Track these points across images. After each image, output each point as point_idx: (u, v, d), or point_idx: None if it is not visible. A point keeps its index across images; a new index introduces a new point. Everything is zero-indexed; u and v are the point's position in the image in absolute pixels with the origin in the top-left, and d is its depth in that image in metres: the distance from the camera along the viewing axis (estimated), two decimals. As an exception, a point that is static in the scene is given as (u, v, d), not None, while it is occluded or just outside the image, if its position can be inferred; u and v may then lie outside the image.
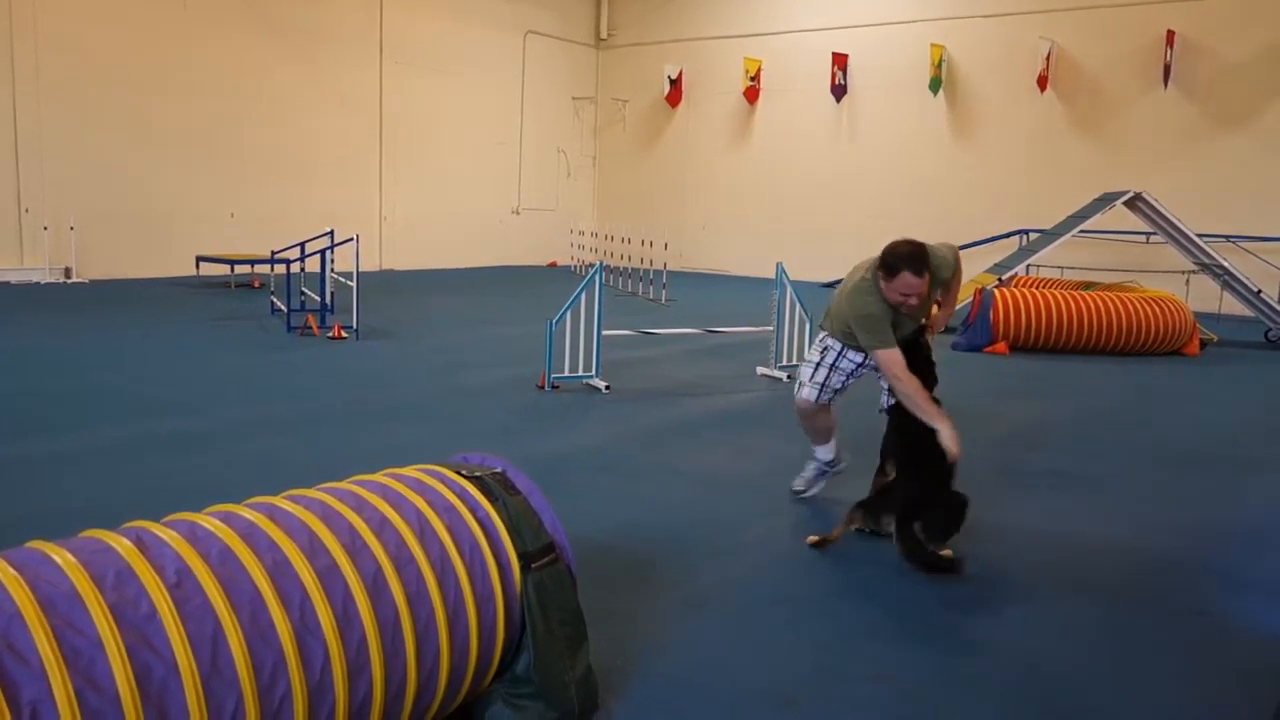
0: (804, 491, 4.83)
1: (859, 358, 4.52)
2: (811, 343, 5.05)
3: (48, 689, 1.66)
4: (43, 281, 13.36)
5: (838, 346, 4.55)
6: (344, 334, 9.46)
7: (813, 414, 4.70)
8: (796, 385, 4.76)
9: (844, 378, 4.62)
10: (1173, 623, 3.55)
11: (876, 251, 4.30)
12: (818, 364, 4.64)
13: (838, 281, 4.70)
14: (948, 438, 3.93)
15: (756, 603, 3.58)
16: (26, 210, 13.46)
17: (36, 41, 13.26)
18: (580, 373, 7.48)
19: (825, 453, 4.81)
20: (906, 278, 4.06)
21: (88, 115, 13.86)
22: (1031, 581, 3.90)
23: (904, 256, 4.09)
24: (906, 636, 3.33)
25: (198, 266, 13.82)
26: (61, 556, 1.89)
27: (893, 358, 4.13)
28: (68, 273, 13.76)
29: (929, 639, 3.32)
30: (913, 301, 4.12)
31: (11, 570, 1.82)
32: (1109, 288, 11.90)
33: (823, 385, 4.60)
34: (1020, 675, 3.08)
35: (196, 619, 1.89)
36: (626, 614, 3.39)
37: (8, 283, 13.01)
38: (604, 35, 21.88)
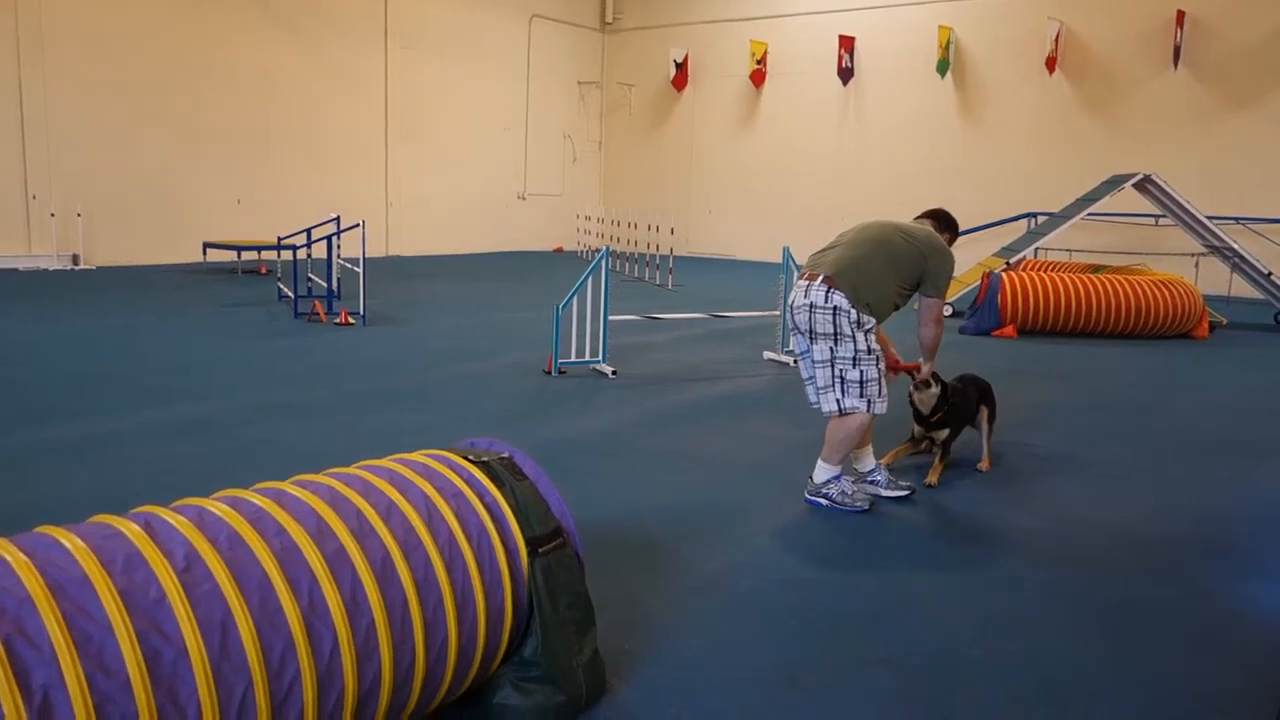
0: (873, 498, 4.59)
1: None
2: (836, 339, 4.35)
3: (59, 673, 1.67)
4: (50, 269, 13.39)
5: (869, 324, 4.36)
6: (351, 320, 9.47)
7: (865, 424, 4.47)
8: (865, 403, 4.34)
9: (883, 360, 4.52)
10: (1179, 605, 3.55)
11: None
12: (876, 376, 4.34)
13: None
14: (927, 369, 4.87)
15: (763, 586, 3.58)
16: (34, 197, 13.48)
17: (42, 28, 13.26)
18: (587, 358, 7.48)
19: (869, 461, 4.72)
20: None
21: (94, 102, 13.87)
22: (1038, 564, 3.90)
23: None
24: (913, 619, 3.33)
25: (205, 253, 13.85)
26: (71, 542, 1.90)
27: (940, 306, 4.60)
28: (75, 260, 13.79)
29: (935, 622, 3.32)
30: None
31: (22, 555, 1.83)
32: (1118, 271, 11.85)
33: (880, 394, 4.39)
34: (1025, 658, 3.09)
35: (205, 604, 1.90)
36: (633, 598, 3.40)
37: (15, 270, 13.05)
38: (609, 19, 21.79)
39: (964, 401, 5.13)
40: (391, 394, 6.61)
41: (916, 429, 5.10)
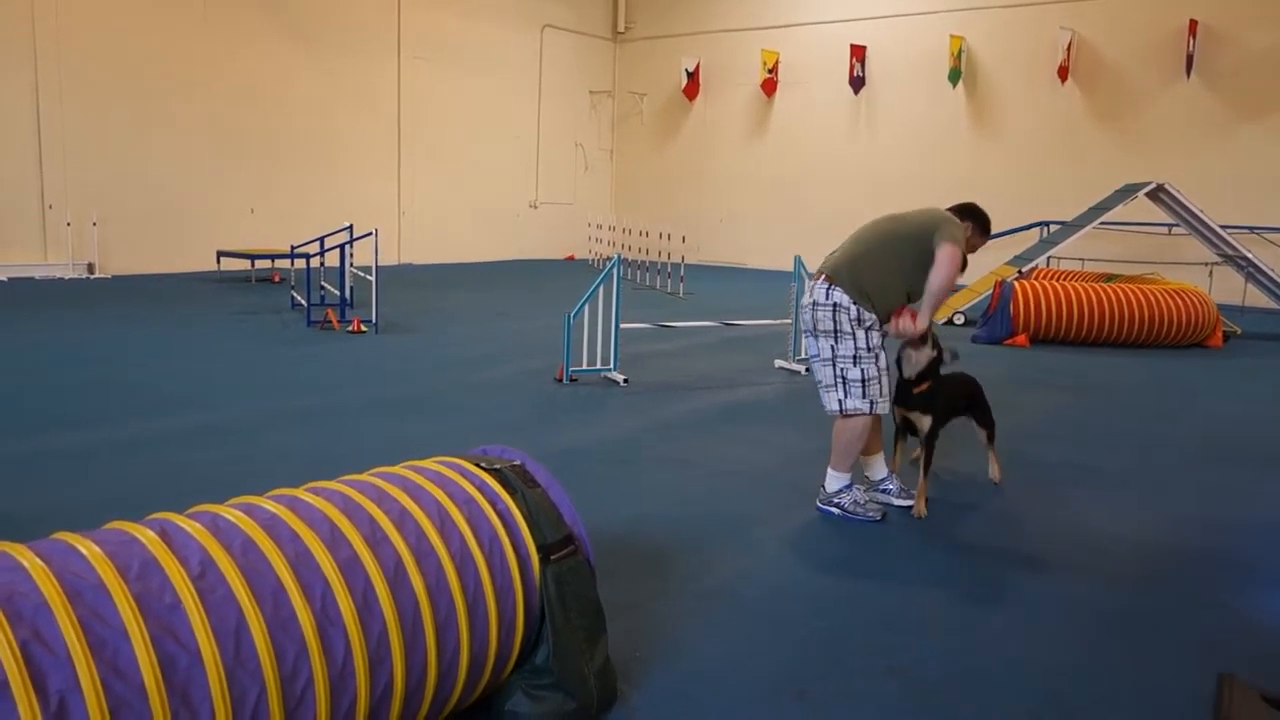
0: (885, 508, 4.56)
1: (879, 336, 4.42)
2: (836, 336, 4.37)
3: (75, 678, 1.69)
4: (66, 277, 13.49)
5: (869, 321, 4.35)
6: (363, 328, 9.51)
7: (869, 426, 4.44)
8: (868, 404, 4.34)
9: (883, 358, 4.43)
10: (1190, 614, 3.53)
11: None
12: (876, 374, 4.34)
13: None
14: (923, 322, 4.41)
15: (773, 594, 3.58)
16: (50, 207, 13.59)
17: (59, 40, 13.38)
18: (598, 366, 7.49)
19: (880, 469, 4.67)
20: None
21: (110, 113, 13.98)
22: (1049, 573, 3.89)
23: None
24: (922, 629, 3.32)
25: (218, 261, 13.92)
26: (87, 548, 1.92)
27: (956, 254, 4.26)
28: (90, 268, 13.89)
29: (945, 631, 3.31)
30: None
31: (39, 561, 1.84)
32: (1131, 280, 11.80)
33: (881, 394, 4.37)
34: (1035, 668, 3.07)
35: (220, 610, 1.91)
36: (645, 606, 3.40)
37: (31, 278, 13.15)
38: (621, 29, 21.85)
39: (949, 394, 4.77)
40: (404, 401, 6.63)
41: (896, 411, 4.65)
